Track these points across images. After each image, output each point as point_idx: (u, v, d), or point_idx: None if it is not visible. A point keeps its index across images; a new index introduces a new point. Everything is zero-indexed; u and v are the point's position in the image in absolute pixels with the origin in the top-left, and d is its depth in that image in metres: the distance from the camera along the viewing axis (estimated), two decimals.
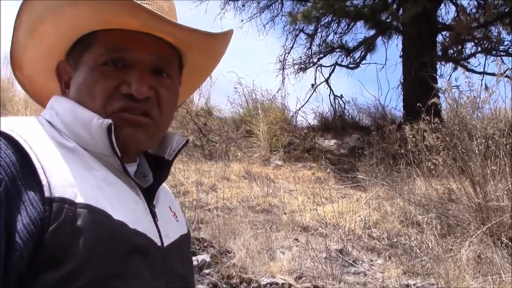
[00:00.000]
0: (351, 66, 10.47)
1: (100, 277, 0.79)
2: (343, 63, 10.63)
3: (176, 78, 1.05)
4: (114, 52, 0.95)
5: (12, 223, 0.74)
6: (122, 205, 0.89)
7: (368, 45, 10.14)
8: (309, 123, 10.11)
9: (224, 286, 3.91)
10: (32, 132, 0.87)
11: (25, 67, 1.06)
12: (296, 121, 10.09)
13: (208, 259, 4.15)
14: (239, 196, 6.10)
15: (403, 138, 6.09)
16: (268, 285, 3.93)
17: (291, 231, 5.13)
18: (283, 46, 10.88)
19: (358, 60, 10.46)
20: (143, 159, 1.08)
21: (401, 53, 10.16)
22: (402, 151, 5.87)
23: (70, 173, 0.83)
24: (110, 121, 0.90)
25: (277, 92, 10.53)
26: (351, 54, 10.75)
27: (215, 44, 1.07)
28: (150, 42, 0.97)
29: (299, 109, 10.11)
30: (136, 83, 0.94)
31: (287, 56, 10.81)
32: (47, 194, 0.78)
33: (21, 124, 0.88)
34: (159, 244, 0.94)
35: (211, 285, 3.93)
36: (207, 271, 4.06)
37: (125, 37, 0.95)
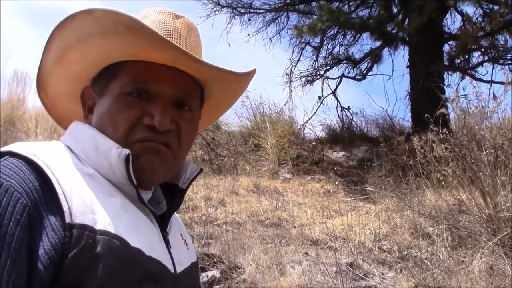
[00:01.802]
0: (358, 77, 10.48)
1: None
2: (349, 75, 10.65)
3: (197, 111, 1.07)
4: (140, 84, 0.97)
5: (34, 249, 0.76)
6: (138, 232, 0.90)
7: (374, 56, 10.15)
8: (317, 135, 10.12)
9: None
10: (54, 158, 0.89)
11: (50, 90, 1.09)
12: (304, 133, 10.10)
13: (218, 275, 4.14)
14: (248, 211, 6.10)
15: (411, 149, 6.07)
16: None
17: (301, 245, 5.11)
18: (290, 59, 10.94)
19: (364, 72, 10.48)
20: (157, 187, 1.09)
21: (408, 64, 10.17)
22: (411, 163, 5.84)
23: (90, 200, 0.85)
24: (128, 151, 0.92)
25: (285, 105, 10.57)
26: (358, 66, 10.77)
27: (238, 82, 1.09)
28: (174, 75, 0.99)
29: (307, 121, 10.13)
30: (158, 115, 0.96)
31: (293, 69, 10.85)
32: (67, 220, 0.80)
33: (44, 149, 0.90)
34: (172, 271, 0.96)
35: None
36: (217, 287, 4.05)
37: (151, 69, 0.97)
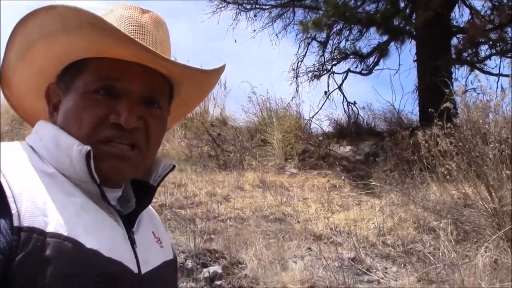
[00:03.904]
0: (364, 72, 10.42)
1: None
2: (356, 70, 10.60)
3: (165, 108, 1.06)
4: (106, 80, 0.96)
5: None
6: (98, 232, 0.89)
7: (381, 50, 10.08)
8: (323, 130, 10.08)
9: None
10: (9, 159, 0.88)
11: (14, 86, 1.07)
12: (310, 128, 10.06)
13: (219, 271, 4.15)
14: (252, 206, 6.10)
15: (416, 143, 6.03)
16: None
17: (304, 240, 5.10)
18: (296, 54, 10.89)
19: (371, 66, 10.41)
20: (128, 184, 1.08)
21: (415, 58, 10.09)
22: (415, 157, 5.81)
23: (43, 201, 0.84)
24: (89, 147, 0.90)
25: (291, 100, 10.52)
26: (365, 60, 10.70)
27: (207, 79, 1.08)
28: (142, 72, 0.97)
29: (313, 116, 10.09)
30: (125, 113, 0.94)
31: (300, 64, 10.81)
32: (16, 223, 0.79)
33: (1, 151, 0.90)
34: (135, 271, 0.94)
35: None
36: (218, 282, 4.06)
37: (117, 66, 0.96)
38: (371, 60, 10.62)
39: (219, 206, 6.04)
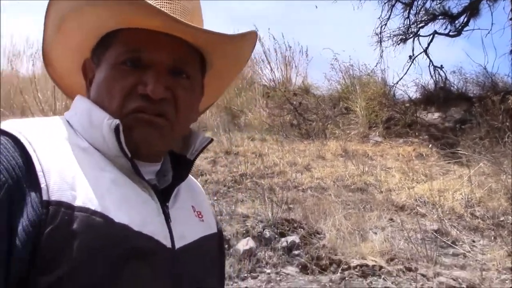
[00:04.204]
0: (452, 33, 9.78)
1: (92, 282, 0.79)
2: (443, 31, 9.96)
3: (196, 79, 1.03)
4: (133, 52, 0.95)
5: (15, 225, 0.77)
6: (129, 207, 0.88)
7: (472, 9, 9.41)
8: (409, 97, 9.66)
9: (314, 267, 3.90)
10: (41, 134, 0.89)
11: (56, 64, 1.09)
12: (395, 95, 9.68)
13: (297, 240, 4.16)
14: (333, 175, 6.02)
15: (508, 110, 5.63)
16: (358, 267, 3.86)
17: (386, 211, 4.98)
18: (379, 17, 10.42)
19: (459, 27, 9.75)
20: (167, 159, 1.07)
21: (511, 16, 9.32)
22: (507, 124, 5.43)
23: (74, 175, 0.84)
24: (118, 121, 0.90)
25: (375, 66, 10.15)
26: (454, 21, 10.03)
27: (233, 46, 1.03)
28: (169, 42, 0.95)
29: (397, 82, 9.66)
30: (152, 84, 0.92)
31: (384, 28, 10.36)
32: (45, 197, 0.79)
33: (32, 126, 0.91)
34: (168, 246, 0.92)
35: (300, 267, 3.94)
36: (296, 252, 4.07)
37: (144, 37, 0.95)
38: (460, 20, 9.94)
39: (300, 175, 6.03)
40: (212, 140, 1.09)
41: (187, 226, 1.01)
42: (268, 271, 3.87)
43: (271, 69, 10.62)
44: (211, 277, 1.05)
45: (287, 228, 4.33)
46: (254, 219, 4.44)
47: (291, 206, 4.95)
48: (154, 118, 0.94)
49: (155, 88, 0.92)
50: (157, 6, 0.93)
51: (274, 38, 10.75)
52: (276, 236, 4.21)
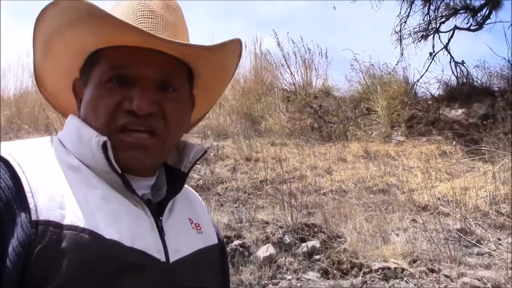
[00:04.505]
0: (473, 28, 9.59)
1: None
2: (463, 26, 9.78)
3: (184, 91, 1.03)
4: (118, 69, 0.96)
5: (5, 247, 0.79)
6: (119, 222, 0.89)
7: (493, 2, 9.22)
8: (431, 94, 9.50)
9: (335, 272, 3.87)
10: (31, 155, 0.91)
11: (48, 85, 1.11)
12: (416, 93, 9.53)
13: (317, 245, 4.13)
14: (354, 177, 5.97)
15: None
16: (380, 270, 3.81)
17: (408, 212, 4.91)
18: (398, 15, 10.30)
19: (481, 21, 9.56)
20: (162, 172, 1.07)
21: None
22: None
23: (63, 194, 0.86)
24: (105, 138, 0.91)
25: (396, 64, 10.02)
26: (476, 15, 9.85)
27: (216, 56, 1.03)
28: (153, 57, 0.96)
29: (418, 80, 9.48)
30: (137, 99, 0.93)
31: (404, 26, 10.23)
32: (34, 217, 0.81)
33: (22, 147, 0.93)
34: (162, 259, 0.92)
35: (321, 272, 3.92)
36: (317, 257, 4.05)
37: (128, 53, 0.96)
38: (481, 13, 9.75)
39: (320, 179, 5.99)
40: (206, 151, 1.10)
41: (183, 239, 1.01)
42: (289, 277, 3.86)
43: (291, 73, 10.60)
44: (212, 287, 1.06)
45: (307, 233, 4.31)
46: (274, 225, 4.43)
47: (311, 210, 4.92)
48: (144, 141, 0.95)
49: (140, 103, 0.93)
50: (138, 22, 0.95)
51: (293, 42, 10.71)
52: (296, 241, 4.20)
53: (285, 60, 10.67)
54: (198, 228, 1.09)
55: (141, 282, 0.88)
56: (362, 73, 10.22)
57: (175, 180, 1.07)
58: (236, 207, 5.07)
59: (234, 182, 5.80)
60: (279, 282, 3.83)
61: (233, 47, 1.03)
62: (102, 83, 0.96)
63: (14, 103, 9.19)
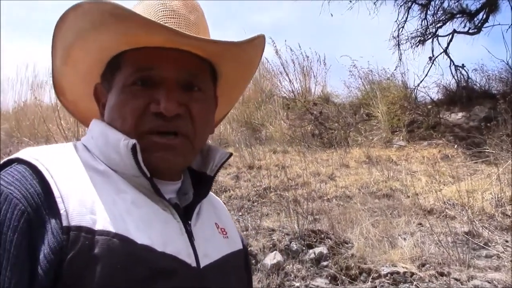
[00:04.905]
0: (472, 31, 9.62)
1: None
2: (462, 30, 9.82)
3: (208, 90, 1.02)
4: (142, 71, 0.94)
5: (36, 253, 0.77)
6: (150, 227, 0.88)
7: (490, 5, 9.26)
8: (431, 98, 9.51)
9: (343, 277, 3.84)
10: (58, 160, 0.89)
11: (67, 92, 1.09)
12: (416, 97, 9.55)
13: (325, 251, 4.10)
14: (358, 183, 5.95)
15: None
16: (389, 275, 3.78)
17: (414, 216, 4.89)
18: (396, 21, 10.34)
19: (479, 24, 9.60)
20: (187, 176, 1.06)
21: None
22: None
23: (93, 199, 0.84)
24: (134, 141, 0.89)
25: (395, 70, 10.06)
26: (473, 19, 9.90)
27: (243, 53, 1.02)
28: (176, 57, 0.95)
29: (418, 85, 9.52)
30: (164, 101, 0.92)
31: (401, 31, 10.27)
32: (65, 223, 0.79)
33: (49, 152, 0.91)
34: (193, 264, 0.91)
35: (329, 278, 3.88)
36: (325, 263, 4.01)
37: (151, 54, 0.95)
38: (479, 17, 9.80)
39: (324, 185, 5.97)
40: (231, 154, 1.09)
41: (211, 244, 1.00)
42: (297, 284, 3.82)
43: (290, 81, 10.64)
44: None
45: (314, 240, 4.28)
46: (280, 232, 4.40)
47: (317, 217, 4.90)
48: (171, 141, 0.94)
49: (168, 105, 0.92)
50: (161, 22, 0.93)
51: (291, 50, 10.75)
52: (304, 248, 4.16)
53: (284, 67, 10.72)
54: (224, 233, 1.08)
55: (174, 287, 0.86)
56: (361, 79, 10.28)
57: (201, 184, 1.06)
58: (241, 215, 5.04)
59: (237, 190, 5.78)
60: None
61: (259, 43, 1.02)
62: (126, 87, 0.95)
63: (13, 116, 9.15)
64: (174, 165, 0.97)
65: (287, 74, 10.68)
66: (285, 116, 9.26)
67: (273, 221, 4.78)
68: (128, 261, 0.81)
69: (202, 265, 0.93)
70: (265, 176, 6.05)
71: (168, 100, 0.92)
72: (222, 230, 1.08)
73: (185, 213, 0.98)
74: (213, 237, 1.03)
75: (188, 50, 0.96)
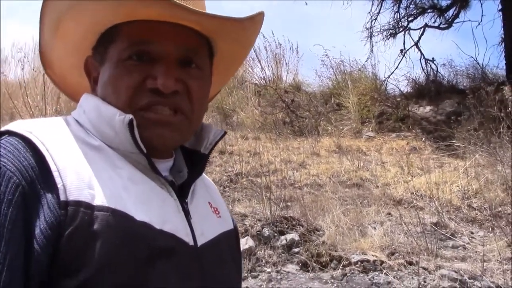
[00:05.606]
0: (443, 26, 9.80)
1: (120, 283, 0.76)
2: (434, 24, 9.99)
3: (206, 67, 0.99)
4: (138, 45, 0.90)
5: (31, 228, 0.74)
6: (148, 204, 0.85)
7: (461, 1, 9.43)
8: (401, 91, 9.67)
9: (314, 264, 3.87)
10: (52, 133, 0.85)
11: (55, 66, 1.05)
12: (387, 89, 9.69)
13: (296, 238, 4.13)
14: (328, 172, 6.01)
15: (503, 100, 5.64)
16: (359, 263, 3.83)
17: (384, 205, 4.97)
18: (369, 12, 10.44)
19: (450, 19, 9.77)
20: (179, 154, 1.03)
21: (500, 7, 9.36)
22: (502, 114, 5.44)
23: (90, 174, 0.81)
24: (131, 116, 0.86)
25: (366, 61, 10.17)
26: (444, 14, 10.07)
27: (243, 30, 0.99)
28: (175, 32, 0.91)
29: (388, 77, 9.68)
30: (162, 77, 0.88)
31: (374, 23, 10.37)
32: (62, 197, 0.76)
33: (42, 125, 0.87)
34: (191, 243, 0.89)
35: (300, 264, 3.91)
36: (296, 249, 4.04)
37: (148, 28, 0.90)
38: (450, 13, 9.98)
39: (295, 173, 6.00)
40: (226, 132, 1.06)
41: (206, 223, 0.97)
42: (269, 270, 3.84)
43: (262, 68, 10.62)
44: (233, 274, 1.02)
45: (286, 226, 4.30)
46: (253, 218, 4.40)
47: (288, 204, 4.92)
48: (169, 117, 0.91)
49: (166, 81, 0.88)
50: None
51: (264, 36, 10.71)
52: (275, 234, 4.18)
53: (256, 54, 10.67)
54: (217, 212, 1.05)
55: (173, 266, 0.84)
56: (332, 69, 10.34)
57: (194, 162, 1.03)
58: None
59: (209, 175, 5.72)
60: (258, 274, 3.81)
61: (258, 20, 0.99)
62: (121, 61, 0.91)
63: None
64: (170, 142, 0.94)
65: (259, 61, 10.66)
66: (256, 103, 9.24)
67: (245, 206, 4.78)
68: (127, 238, 0.78)
69: (199, 243, 0.91)
70: (236, 162, 6.03)
71: (166, 76, 0.89)
72: (215, 209, 1.05)
73: (180, 191, 0.95)
74: (208, 216, 1.01)
75: (186, 25, 0.92)
